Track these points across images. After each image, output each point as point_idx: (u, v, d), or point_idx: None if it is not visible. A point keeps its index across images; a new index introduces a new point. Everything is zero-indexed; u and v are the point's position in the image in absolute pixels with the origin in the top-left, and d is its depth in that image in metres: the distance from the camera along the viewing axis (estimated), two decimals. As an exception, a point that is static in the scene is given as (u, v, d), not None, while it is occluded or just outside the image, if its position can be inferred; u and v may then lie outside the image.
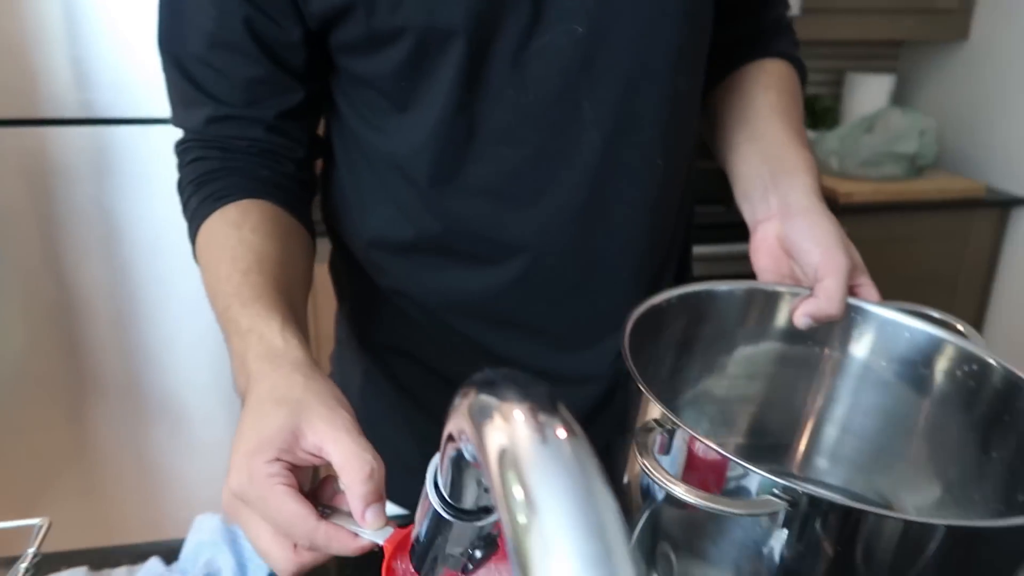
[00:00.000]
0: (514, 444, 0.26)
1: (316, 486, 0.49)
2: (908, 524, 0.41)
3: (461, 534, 0.40)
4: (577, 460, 0.25)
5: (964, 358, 0.55)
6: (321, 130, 0.76)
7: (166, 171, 1.45)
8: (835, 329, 0.63)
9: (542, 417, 0.27)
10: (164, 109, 1.38)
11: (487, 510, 0.39)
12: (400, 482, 0.58)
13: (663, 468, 0.41)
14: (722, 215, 2.10)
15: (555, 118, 0.65)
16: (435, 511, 0.39)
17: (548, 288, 0.72)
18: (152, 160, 1.58)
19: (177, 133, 0.71)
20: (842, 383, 0.63)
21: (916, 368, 0.59)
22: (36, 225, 1.58)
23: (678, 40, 0.66)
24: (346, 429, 0.46)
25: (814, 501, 0.40)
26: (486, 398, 0.28)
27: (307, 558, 0.46)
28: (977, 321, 2.37)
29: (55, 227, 1.59)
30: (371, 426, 0.84)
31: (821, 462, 0.65)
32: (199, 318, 1.68)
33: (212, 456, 1.78)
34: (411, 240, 0.72)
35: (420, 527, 0.42)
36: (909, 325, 0.59)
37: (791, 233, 0.63)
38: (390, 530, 0.44)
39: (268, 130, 0.67)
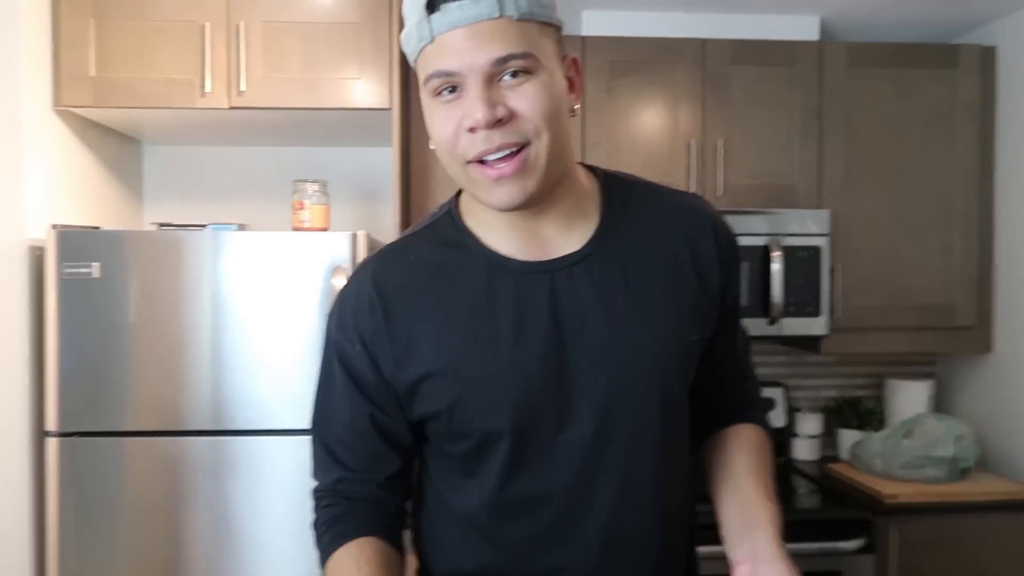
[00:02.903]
0: None
1: None
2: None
3: None
4: None
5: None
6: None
7: (275, 472, 1.83)
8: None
9: None
10: (279, 422, 1.82)
11: None
12: None
13: None
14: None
15: (576, 486, 0.95)
16: None
17: None
18: (267, 463, 1.94)
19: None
20: None
21: None
22: (166, 516, 1.93)
23: (660, 430, 0.96)
24: None
25: None
26: None
27: None
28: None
29: (182, 516, 1.93)
30: None
31: None
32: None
33: None
34: (474, 569, 0.99)
35: None
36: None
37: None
38: None
39: (379, 487, 1.00)
